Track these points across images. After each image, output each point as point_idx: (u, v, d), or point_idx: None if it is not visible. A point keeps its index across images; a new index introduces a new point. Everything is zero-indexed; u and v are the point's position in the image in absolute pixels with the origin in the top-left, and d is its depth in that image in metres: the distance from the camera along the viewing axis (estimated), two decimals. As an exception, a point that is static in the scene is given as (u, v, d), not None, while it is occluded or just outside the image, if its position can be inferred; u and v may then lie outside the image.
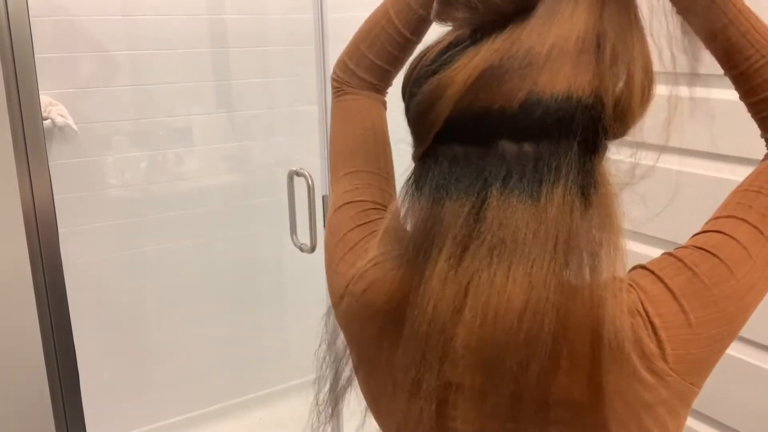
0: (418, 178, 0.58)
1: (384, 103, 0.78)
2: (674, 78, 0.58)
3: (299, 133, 2.50)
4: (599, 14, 0.53)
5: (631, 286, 0.56)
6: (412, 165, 0.60)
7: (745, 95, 0.63)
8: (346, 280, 0.64)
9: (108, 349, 2.29)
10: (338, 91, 0.77)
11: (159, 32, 2.20)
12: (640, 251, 1.15)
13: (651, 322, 0.54)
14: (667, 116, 0.58)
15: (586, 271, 0.53)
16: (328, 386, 0.67)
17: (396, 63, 0.77)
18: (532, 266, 0.51)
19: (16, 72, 1.22)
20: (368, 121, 0.75)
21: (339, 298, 0.65)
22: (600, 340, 0.52)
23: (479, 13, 0.54)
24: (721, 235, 0.58)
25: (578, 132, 0.52)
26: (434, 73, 0.55)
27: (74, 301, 1.38)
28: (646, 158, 0.61)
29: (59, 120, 2.02)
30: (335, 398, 0.67)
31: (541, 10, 0.53)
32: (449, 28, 0.58)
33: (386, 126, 0.77)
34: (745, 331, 1.32)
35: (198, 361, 2.47)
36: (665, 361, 0.54)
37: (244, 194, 2.50)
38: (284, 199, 2.01)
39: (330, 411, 0.68)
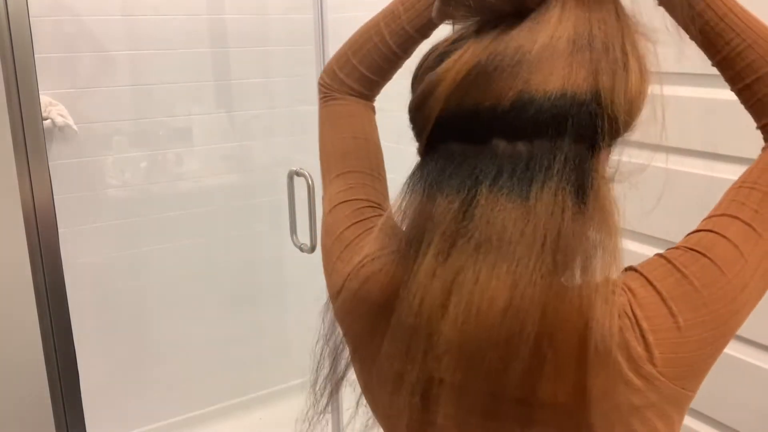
0: (416, 173, 0.59)
1: (373, 108, 0.79)
2: (664, 76, 0.58)
3: (299, 133, 2.50)
4: (588, 15, 0.54)
5: (621, 288, 0.55)
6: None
7: (731, 82, 0.62)
8: (343, 276, 0.64)
9: (108, 349, 2.29)
10: (326, 97, 0.78)
11: (159, 32, 2.20)
12: (635, 249, 1.15)
13: (639, 325, 0.54)
14: (660, 114, 0.58)
15: (577, 272, 0.53)
16: (324, 376, 0.68)
17: (386, 75, 0.78)
18: (516, 265, 0.51)
19: (16, 72, 1.22)
20: (358, 124, 0.76)
21: (336, 293, 0.65)
22: (587, 343, 0.52)
23: (473, 10, 0.55)
24: (712, 234, 0.57)
25: (574, 131, 0.52)
26: (432, 69, 0.56)
27: (74, 301, 1.38)
28: (639, 157, 0.61)
29: (59, 120, 2.02)
30: (331, 389, 0.68)
31: (532, 15, 0.54)
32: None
33: (376, 128, 0.77)
34: (745, 331, 1.32)
35: (198, 361, 2.47)
36: (653, 364, 0.53)
37: (244, 194, 2.50)
38: (284, 199, 2.01)
39: (326, 401, 0.69)
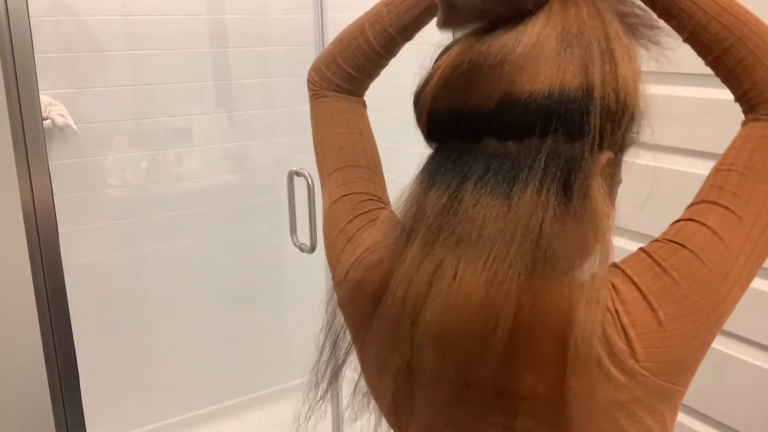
0: (420, 166, 0.60)
1: (363, 103, 0.80)
2: (661, 76, 0.58)
3: (299, 133, 2.50)
4: (575, 12, 0.55)
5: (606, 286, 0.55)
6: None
7: (702, 56, 0.62)
8: (346, 267, 0.66)
9: (108, 348, 2.29)
10: (316, 94, 0.79)
11: (159, 32, 2.20)
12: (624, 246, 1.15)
13: (620, 321, 0.54)
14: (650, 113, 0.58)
15: (559, 271, 0.53)
16: (325, 361, 0.70)
17: (371, 74, 0.79)
18: (492, 262, 0.52)
19: (16, 72, 1.22)
20: (350, 119, 0.77)
21: (340, 283, 0.67)
22: (568, 340, 0.52)
23: (472, 18, 0.57)
24: (692, 223, 0.57)
25: (563, 130, 0.53)
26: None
27: (74, 301, 1.38)
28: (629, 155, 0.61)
29: (59, 120, 2.02)
30: (331, 374, 0.70)
31: (525, 18, 0.55)
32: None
33: (368, 123, 0.79)
34: (745, 331, 1.32)
35: (198, 361, 2.47)
36: (636, 359, 0.54)
37: (244, 194, 2.50)
38: (284, 199, 2.01)
39: (326, 386, 0.70)
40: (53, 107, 2.03)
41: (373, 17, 0.76)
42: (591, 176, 0.54)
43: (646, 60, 0.62)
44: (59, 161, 2.09)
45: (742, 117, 0.61)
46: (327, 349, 0.69)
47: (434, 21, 0.71)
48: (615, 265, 0.58)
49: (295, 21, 2.39)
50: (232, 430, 2.52)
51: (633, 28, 0.62)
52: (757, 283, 1.16)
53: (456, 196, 0.55)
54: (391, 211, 0.64)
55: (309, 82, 0.80)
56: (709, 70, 0.63)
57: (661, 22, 0.62)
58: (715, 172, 0.59)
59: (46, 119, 1.99)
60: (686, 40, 0.62)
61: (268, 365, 2.61)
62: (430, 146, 0.61)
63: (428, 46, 0.64)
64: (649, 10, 0.61)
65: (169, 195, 2.35)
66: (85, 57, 2.10)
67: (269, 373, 2.62)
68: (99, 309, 2.26)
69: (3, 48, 1.21)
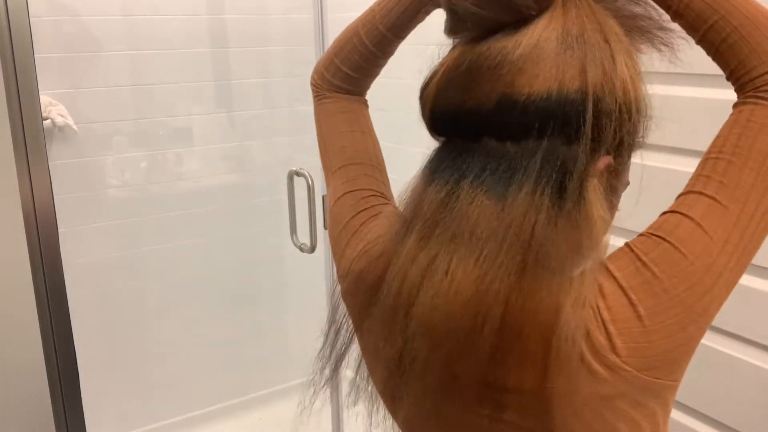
0: (424, 161, 0.61)
1: (365, 103, 0.81)
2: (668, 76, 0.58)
3: (299, 133, 2.50)
4: (574, 17, 0.55)
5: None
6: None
7: (690, 35, 0.61)
8: (350, 260, 0.68)
9: (108, 348, 2.29)
10: (318, 95, 0.81)
11: (159, 32, 2.20)
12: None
13: (600, 316, 0.54)
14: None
15: (549, 272, 0.53)
16: (328, 349, 0.71)
17: (368, 73, 0.80)
18: (484, 261, 0.53)
19: (16, 72, 1.22)
20: (352, 118, 0.79)
21: (344, 276, 0.69)
22: (552, 339, 0.52)
23: (475, 26, 0.57)
24: (676, 215, 0.56)
25: (560, 132, 0.53)
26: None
27: (74, 301, 1.38)
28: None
29: (59, 120, 2.02)
30: (334, 363, 0.71)
31: (523, 24, 0.56)
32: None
33: (370, 121, 0.80)
34: (745, 331, 1.32)
35: (198, 361, 2.47)
36: (616, 354, 0.54)
37: (244, 194, 2.50)
38: (284, 199, 2.01)
39: (329, 373, 0.72)
40: (53, 107, 2.03)
41: (366, 17, 0.77)
42: (587, 179, 0.54)
43: (652, 61, 0.63)
44: (59, 161, 2.09)
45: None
46: (331, 337, 0.71)
47: (427, 20, 0.72)
48: (602, 262, 0.58)
49: (295, 21, 2.39)
50: (232, 430, 2.52)
51: (644, 30, 0.62)
52: (757, 284, 1.16)
53: (453, 193, 0.56)
54: (395, 207, 0.65)
55: (311, 84, 0.82)
56: (708, 71, 0.63)
57: (674, 25, 0.62)
58: (704, 161, 0.58)
59: (46, 119, 1.99)
60: (673, 18, 0.61)
61: (268, 365, 2.61)
62: (437, 140, 0.62)
63: (425, 46, 0.64)
64: (661, 10, 0.61)
65: (169, 195, 2.35)
66: (85, 57, 2.10)
67: (269, 373, 2.62)
68: (99, 309, 2.26)
69: (3, 48, 1.21)
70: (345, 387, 0.73)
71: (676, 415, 1.31)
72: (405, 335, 0.57)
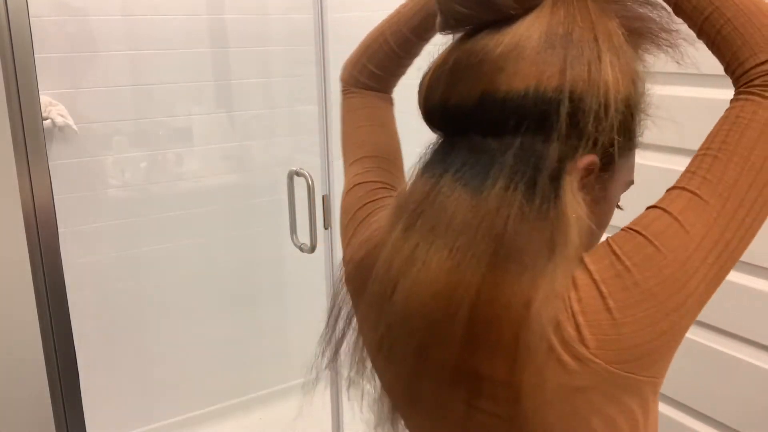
0: (421, 155, 0.63)
1: (390, 100, 0.84)
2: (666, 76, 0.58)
3: (299, 133, 2.50)
4: (563, 16, 0.56)
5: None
6: None
7: (691, 28, 0.61)
8: (354, 248, 0.71)
9: (108, 348, 2.29)
10: (345, 91, 0.84)
11: (159, 32, 2.20)
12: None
13: (571, 307, 0.54)
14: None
15: (521, 266, 0.53)
16: (330, 331, 0.73)
17: (394, 72, 0.83)
18: (457, 252, 0.54)
19: (16, 72, 1.22)
20: (374, 113, 0.81)
21: (346, 263, 0.72)
22: (520, 332, 0.53)
23: (461, 22, 0.59)
24: (656, 210, 0.56)
25: (536, 129, 0.54)
26: None
27: (74, 301, 1.38)
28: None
29: (59, 120, 2.03)
30: (334, 346, 0.73)
31: (507, 23, 0.57)
32: None
33: (392, 117, 0.82)
34: (745, 331, 1.33)
35: (198, 361, 2.47)
36: (585, 346, 0.54)
37: (244, 194, 2.50)
38: (284, 199, 2.01)
39: (330, 355, 0.73)
40: (53, 107, 2.03)
41: (392, 19, 0.80)
42: (563, 177, 0.55)
43: (652, 61, 0.62)
44: (59, 161, 2.09)
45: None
46: (332, 321, 0.72)
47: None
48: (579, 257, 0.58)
49: (295, 21, 2.39)
50: (232, 430, 2.52)
51: (649, 31, 0.62)
52: (757, 284, 1.16)
53: (436, 186, 0.57)
54: (398, 196, 0.67)
55: (340, 79, 0.85)
56: (708, 71, 0.63)
57: (678, 25, 0.62)
58: (693, 157, 0.58)
59: (46, 119, 1.99)
60: (675, 12, 0.62)
61: (268, 365, 2.61)
62: (435, 134, 0.64)
63: (431, 46, 0.65)
64: (669, 9, 0.61)
65: (169, 195, 2.35)
66: (85, 57, 2.10)
67: (269, 373, 2.62)
68: (99, 309, 2.26)
69: (3, 48, 1.21)
70: (345, 388, 0.74)
71: (676, 415, 1.31)
72: (388, 322, 0.59)
